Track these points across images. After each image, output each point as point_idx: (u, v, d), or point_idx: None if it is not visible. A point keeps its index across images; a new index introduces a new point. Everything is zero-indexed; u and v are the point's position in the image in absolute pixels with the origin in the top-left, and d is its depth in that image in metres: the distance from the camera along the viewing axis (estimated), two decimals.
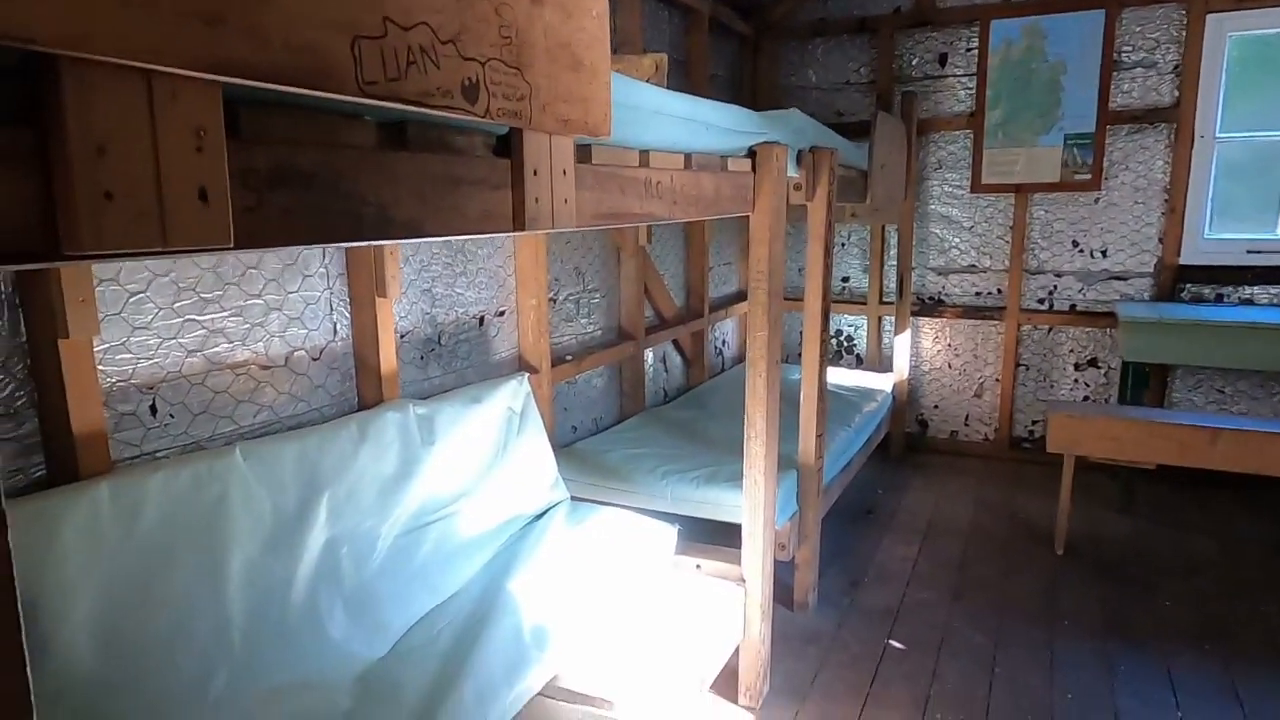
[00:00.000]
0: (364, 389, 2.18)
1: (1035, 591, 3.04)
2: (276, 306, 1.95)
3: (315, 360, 2.06)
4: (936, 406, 4.74)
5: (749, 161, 2.11)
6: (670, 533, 2.42)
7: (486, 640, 1.78)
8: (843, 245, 4.85)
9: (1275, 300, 3.98)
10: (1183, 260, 4.09)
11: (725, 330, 4.79)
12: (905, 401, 4.63)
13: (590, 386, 3.40)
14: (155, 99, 0.65)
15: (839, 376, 4.41)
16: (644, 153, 1.56)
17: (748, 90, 4.73)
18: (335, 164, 0.88)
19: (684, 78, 3.98)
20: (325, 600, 1.78)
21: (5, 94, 0.60)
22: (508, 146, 1.15)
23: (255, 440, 1.78)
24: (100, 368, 1.56)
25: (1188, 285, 4.12)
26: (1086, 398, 4.40)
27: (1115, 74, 4.10)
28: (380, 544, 1.94)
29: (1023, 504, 3.89)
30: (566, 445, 3.09)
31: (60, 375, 1.46)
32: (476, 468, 2.28)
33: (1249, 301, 4.02)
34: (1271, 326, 3.55)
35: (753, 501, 2.28)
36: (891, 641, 2.71)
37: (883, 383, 4.41)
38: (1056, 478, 3.36)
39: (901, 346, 4.57)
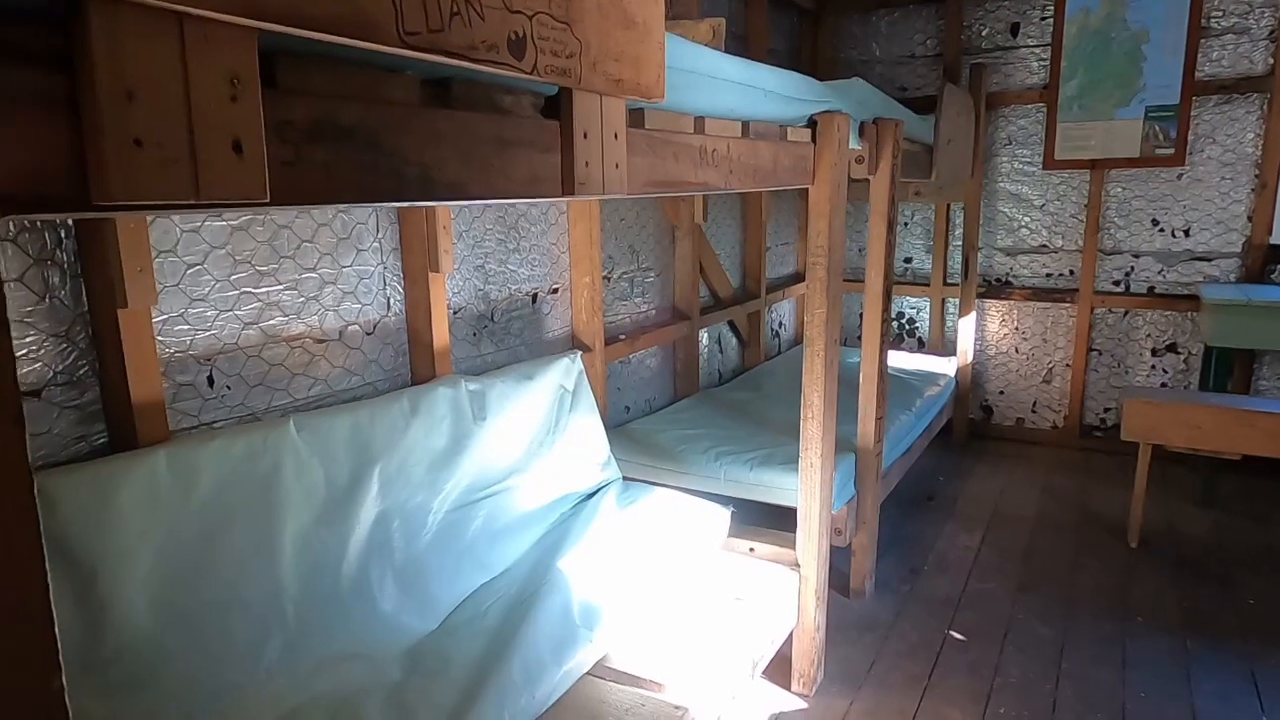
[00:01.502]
0: (417, 364, 2.17)
1: (1106, 585, 2.90)
2: (331, 280, 1.95)
3: (369, 335, 2.06)
4: (1002, 392, 4.57)
5: (809, 132, 2.03)
6: (723, 515, 2.37)
7: (535, 618, 1.76)
8: (905, 225, 4.70)
9: None
10: (1274, 240, 3.85)
11: (782, 312, 4.69)
12: (969, 386, 4.48)
13: (644, 366, 3.36)
14: (187, 43, 0.63)
15: (900, 360, 4.29)
16: (699, 119, 1.50)
17: (808, 65, 4.60)
18: (377, 120, 0.85)
19: (743, 51, 3.88)
20: (376, 573, 1.78)
21: (37, 35, 0.58)
22: (556, 107, 1.11)
23: (309, 412, 1.78)
24: (159, 338, 1.58)
25: (1279, 266, 3.87)
26: (1164, 384, 4.19)
27: (1203, 41, 3.86)
28: (431, 518, 1.94)
29: (1093, 494, 3.72)
30: (619, 425, 3.06)
31: (120, 345, 1.47)
32: (528, 445, 2.27)
33: None
34: None
35: (808, 485, 2.22)
36: (952, 632, 2.62)
37: (945, 367, 4.27)
38: (1130, 468, 3.20)
39: (966, 330, 4.42)
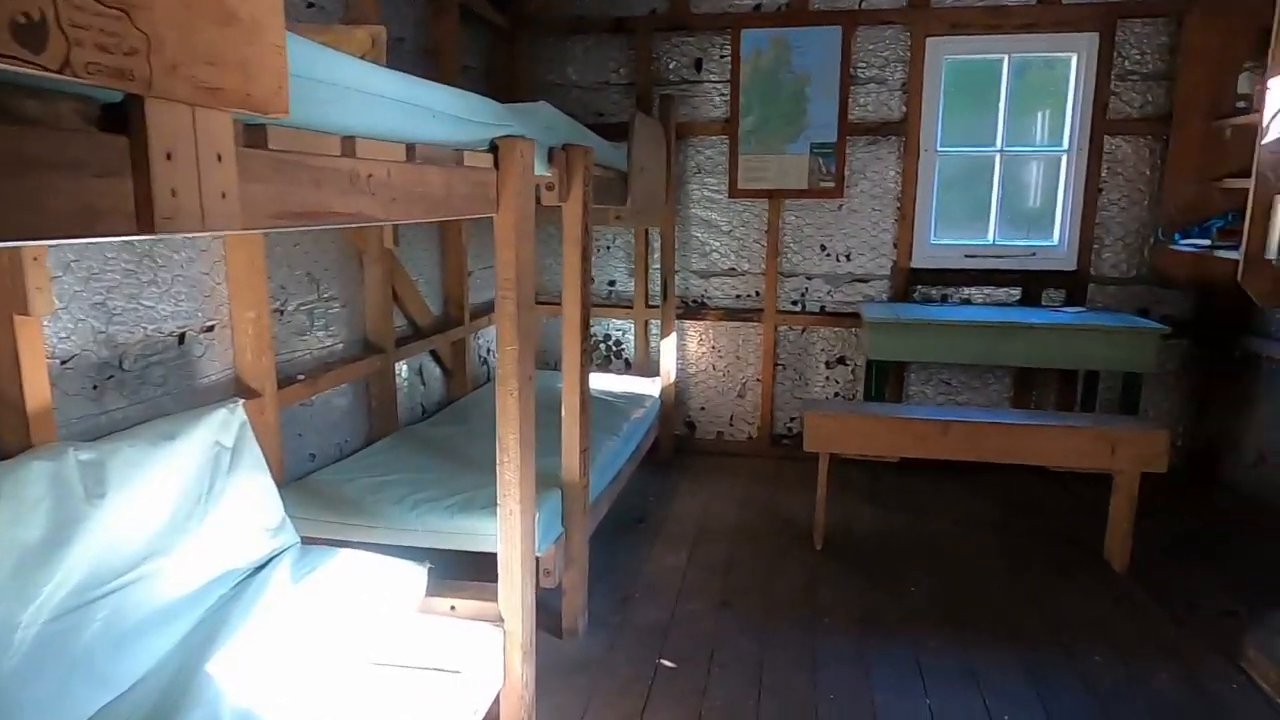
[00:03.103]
0: (3, 432, 1.70)
1: (798, 591, 3.09)
2: None
3: None
4: (703, 408, 4.80)
5: (490, 157, 1.89)
6: (419, 573, 2.15)
7: None
8: (608, 248, 4.78)
9: (989, 300, 4.41)
10: (914, 264, 4.43)
11: (489, 338, 4.53)
12: (673, 405, 4.64)
13: (331, 407, 3.01)
14: None
15: (608, 382, 4.33)
16: (348, 139, 1.29)
17: (504, 85, 4.51)
18: None
19: (433, 68, 3.68)
20: None
21: None
22: (123, 119, 0.85)
23: None
24: None
25: (919, 287, 4.46)
26: (837, 394, 4.64)
27: (853, 88, 4.34)
28: (21, 634, 1.50)
29: (784, 501, 4.00)
30: (301, 477, 2.70)
31: None
32: (169, 520, 1.87)
33: (968, 301, 4.43)
34: (985, 324, 3.91)
35: (508, 533, 2.07)
36: (662, 660, 2.61)
37: (651, 387, 4.38)
38: (814, 472, 3.46)
39: (668, 350, 4.57)
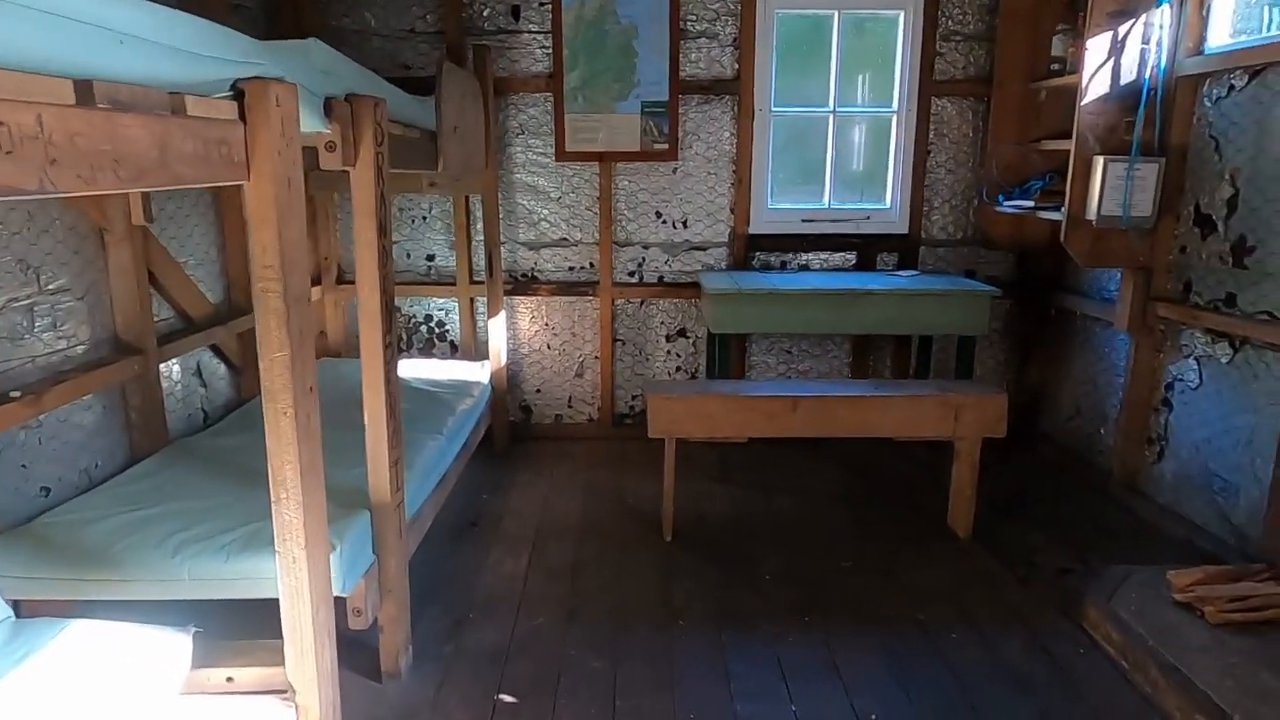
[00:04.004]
0: None
1: (649, 592, 2.84)
2: None
3: None
4: (539, 391, 4.46)
5: (234, 106, 1.44)
6: (182, 641, 1.70)
7: None
8: (424, 219, 4.29)
9: (826, 265, 4.33)
10: (752, 230, 4.26)
11: None
12: (505, 390, 4.26)
13: (71, 426, 2.42)
14: None
15: (430, 370, 3.90)
16: None
17: (291, 30, 3.88)
18: None
19: (192, 6, 3.03)
20: None
21: None
22: None
23: None
24: None
25: (758, 254, 4.30)
26: (679, 369, 4.43)
27: (683, 42, 4.07)
28: None
29: (630, 487, 3.75)
30: (26, 522, 2.12)
31: None
32: None
33: (806, 267, 4.33)
34: (826, 292, 3.80)
35: (292, 586, 1.65)
36: (501, 696, 2.28)
37: (480, 372, 3.98)
38: (661, 451, 3.22)
39: (497, 330, 4.18)
